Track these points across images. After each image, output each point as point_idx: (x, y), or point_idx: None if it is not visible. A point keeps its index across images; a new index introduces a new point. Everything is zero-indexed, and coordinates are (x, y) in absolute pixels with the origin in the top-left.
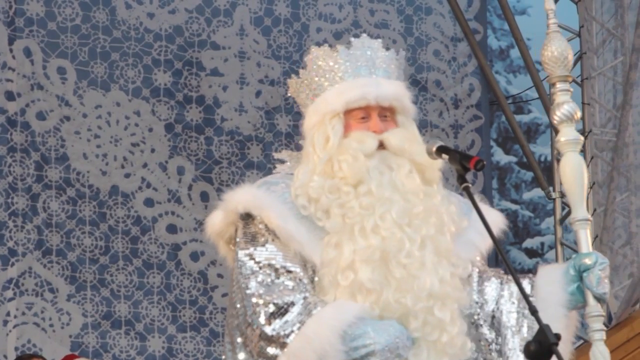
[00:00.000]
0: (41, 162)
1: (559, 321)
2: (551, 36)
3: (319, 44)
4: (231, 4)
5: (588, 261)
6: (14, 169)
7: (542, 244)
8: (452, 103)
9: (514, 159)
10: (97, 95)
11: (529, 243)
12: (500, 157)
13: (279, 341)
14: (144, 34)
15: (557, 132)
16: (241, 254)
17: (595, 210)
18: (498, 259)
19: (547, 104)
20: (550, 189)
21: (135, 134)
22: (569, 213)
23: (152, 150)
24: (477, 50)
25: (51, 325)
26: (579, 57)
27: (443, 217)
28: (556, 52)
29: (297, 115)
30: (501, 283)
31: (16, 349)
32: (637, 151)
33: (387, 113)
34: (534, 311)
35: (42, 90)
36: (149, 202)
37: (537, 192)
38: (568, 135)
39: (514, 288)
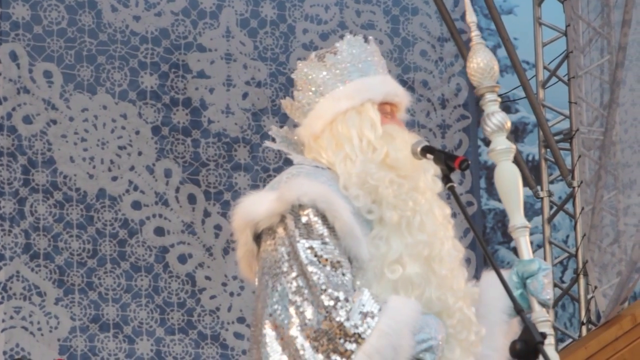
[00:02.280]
0: (28, 165)
1: (500, 327)
2: (476, 48)
3: (305, 45)
4: (217, 6)
5: (531, 268)
6: (0, 173)
7: (531, 242)
8: (440, 103)
9: None
10: (83, 98)
11: None
12: (488, 156)
13: (358, 337)
14: (130, 37)
15: (544, 129)
16: (300, 245)
17: (583, 208)
18: (486, 261)
19: (535, 103)
20: (538, 188)
21: (122, 137)
22: (557, 212)
23: (139, 153)
24: (464, 50)
25: (39, 329)
26: (566, 56)
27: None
28: (482, 63)
29: (284, 117)
30: None
31: (4, 353)
32: (624, 149)
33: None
34: (519, 310)
35: (28, 94)
36: (136, 205)
37: (525, 192)
38: (501, 144)
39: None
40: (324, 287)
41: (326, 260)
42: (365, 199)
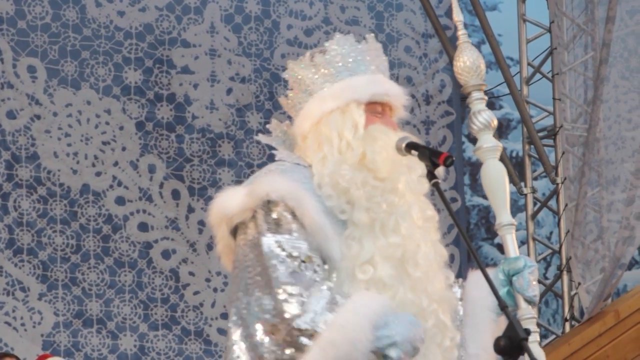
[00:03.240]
0: (12, 161)
1: (487, 325)
2: (462, 47)
3: (290, 41)
4: (201, 2)
5: (517, 265)
6: None
7: None
8: (424, 99)
9: None
10: (67, 93)
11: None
12: (472, 153)
13: (312, 331)
14: (114, 32)
15: (528, 126)
16: (266, 240)
17: (566, 205)
18: (470, 257)
19: (519, 100)
20: (522, 184)
21: (106, 132)
22: (540, 208)
23: (123, 149)
24: (448, 47)
25: (23, 325)
26: (550, 53)
27: (437, 225)
28: (468, 62)
29: (268, 113)
30: None
31: None
32: (608, 146)
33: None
34: (503, 307)
35: (12, 89)
36: (120, 201)
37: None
38: (488, 142)
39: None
40: (282, 281)
41: (294, 255)
42: (338, 199)
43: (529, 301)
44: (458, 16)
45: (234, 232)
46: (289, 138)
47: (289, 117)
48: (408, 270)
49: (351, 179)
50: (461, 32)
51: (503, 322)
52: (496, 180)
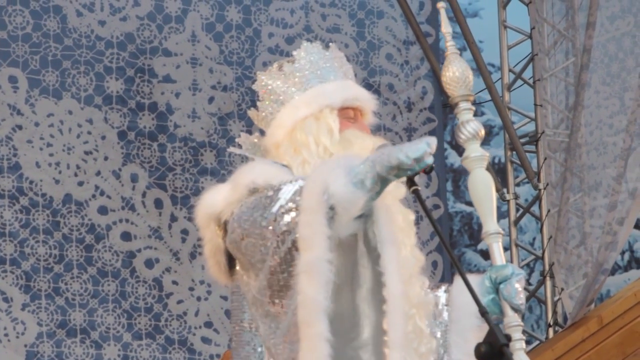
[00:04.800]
0: None
1: (472, 332)
2: (450, 58)
3: (271, 49)
4: (182, 11)
5: (504, 273)
6: None
7: None
8: (406, 106)
9: None
10: (49, 103)
11: (484, 245)
12: (455, 159)
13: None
14: (95, 42)
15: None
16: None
17: (549, 211)
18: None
19: (500, 106)
20: (504, 190)
21: (88, 142)
22: (523, 214)
23: (105, 158)
24: (429, 54)
25: (6, 335)
26: (531, 59)
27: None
28: (457, 72)
29: (250, 121)
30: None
31: None
32: (589, 152)
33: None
34: (483, 312)
35: None
36: (102, 210)
37: None
38: (475, 152)
39: (430, 297)
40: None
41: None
42: None
43: (516, 309)
44: (446, 28)
45: (224, 233)
46: (259, 150)
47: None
48: None
49: None
50: (449, 44)
51: (485, 329)
52: (483, 190)
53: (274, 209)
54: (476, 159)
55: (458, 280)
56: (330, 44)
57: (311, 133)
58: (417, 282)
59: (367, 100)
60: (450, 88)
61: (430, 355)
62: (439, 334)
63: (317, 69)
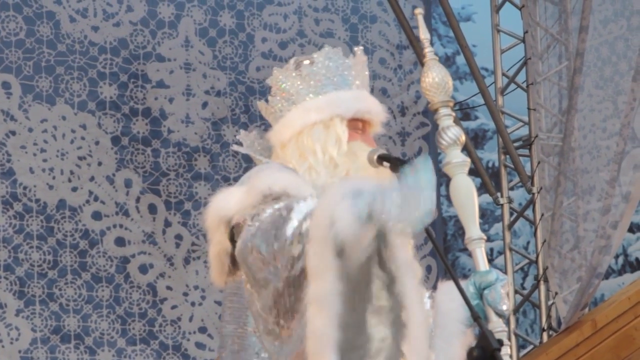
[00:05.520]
0: None
1: (457, 338)
2: (429, 64)
3: (264, 54)
4: (176, 16)
5: (488, 278)
6: None
7: (492, 249)
8: (399, 111)
9: None
10: (42, 109)
11: None
12: (442, 168)
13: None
14: (88, 47)
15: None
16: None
17: (542, 214)
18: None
19: (494, 110)
20: (498, 194)
21: (82, 148)
22: (517, 218)
23: (99, 164)
24: (422, 58)
25: (0, 341)
26: (524, 63)
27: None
28: (437, 78)
29: (244, 126)
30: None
31: None
32: (583, 155)
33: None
34: (476, 317)
35: None
36: (96, 216)
37: (485, 198)
38: (456, 157)
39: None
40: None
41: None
42: None
43: (500, 314)
44: (425, 34)
45: (232, 236)
46: (260, 146)
47: (265, 129)
48: None
49: None
50: (428, 50)
51: (470, 335)
52: (465, 195)
53: (288, 231)
54: (457, 164)
55: (442, 285)
56: (356, 48)
57: (319, 140)
58: None
59: (378, 113)
60: (430, 94)
61: None
62: None
63: (333, 75)
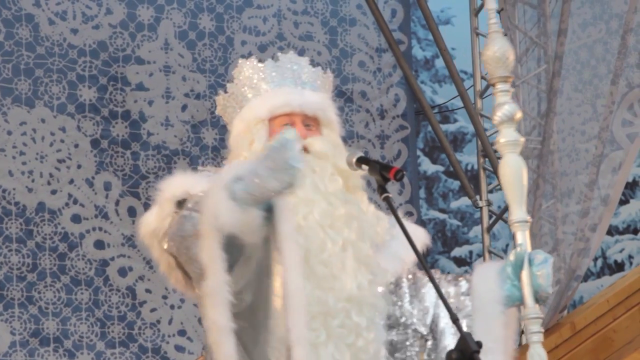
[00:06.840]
0: None
1: (497, 318)
2: (493, 36)
3: (244, 57)
4: (155, 19)
5: (539, 257)
6: None
7: (471, 252)
8: (378, 114)
9: (441, 168)
10: (21, 112)
11: (457, 252)
12: (427, 166)
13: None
14: (67, 50)
15: (482, 139)
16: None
17: None
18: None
19: (473, 113)
20: (477, 197)
21: (61, 150)
22: (496, 221)
23: (79, 166)
24: (402, 61)
25: None
26: None
27: (364, 224)
28: (498, 52)
29: (223, 129)
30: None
31: None
32: (562, 158)
33: (311, 123)
34: (454, 319)
35: None
36: (76, 219)
37: (464, 201)
38: (508, 136)
39: (451, 289)
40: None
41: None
42: None
43: (544, 297)
44: (491, 4)
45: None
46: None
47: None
48: (313, 269)
49: None
50: (493, 21)
51: (512, 314)
52: (514, 176)
53: (187, 228)
54: (509, 143)
55: (478, 270)
56: (290, 51)
57: (237, 148)
58: (349, 277)
59: (299, 106)
60: (490, 67)
61: (371, 348)
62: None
63: (250, 84)
